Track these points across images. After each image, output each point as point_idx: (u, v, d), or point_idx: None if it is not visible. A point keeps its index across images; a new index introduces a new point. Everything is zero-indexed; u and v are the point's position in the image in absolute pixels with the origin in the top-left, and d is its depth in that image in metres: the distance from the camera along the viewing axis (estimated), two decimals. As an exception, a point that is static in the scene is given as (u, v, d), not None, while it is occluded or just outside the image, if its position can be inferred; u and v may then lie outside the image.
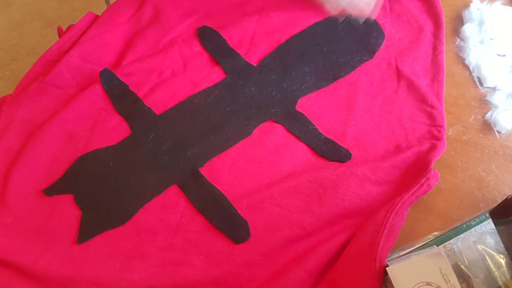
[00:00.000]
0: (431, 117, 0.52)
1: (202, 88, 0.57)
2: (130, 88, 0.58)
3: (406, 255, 0.41)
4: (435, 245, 0.42)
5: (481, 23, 0.58)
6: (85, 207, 0.49)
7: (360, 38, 0.60)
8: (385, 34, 0.60)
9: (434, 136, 0.50)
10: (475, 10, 0.60)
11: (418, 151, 0.49)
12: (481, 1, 0.61)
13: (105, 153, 0.53)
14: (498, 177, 0.48)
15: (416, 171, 0.47)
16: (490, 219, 0.42)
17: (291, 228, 0.46)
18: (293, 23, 0.62)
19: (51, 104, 0.57)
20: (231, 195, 0.49)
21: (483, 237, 0.41)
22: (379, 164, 0.49)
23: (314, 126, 0.53)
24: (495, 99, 0.53)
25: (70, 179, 0.51)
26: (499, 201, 0.42)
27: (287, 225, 0.46)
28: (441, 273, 0.37)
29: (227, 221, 0.47)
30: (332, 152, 0.51)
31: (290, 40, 0.61)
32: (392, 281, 0.38)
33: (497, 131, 0.52)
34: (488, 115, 0.52)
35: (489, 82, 0.55)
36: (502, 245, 0.40)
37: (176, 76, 0.59)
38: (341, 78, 0.57)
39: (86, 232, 0.48)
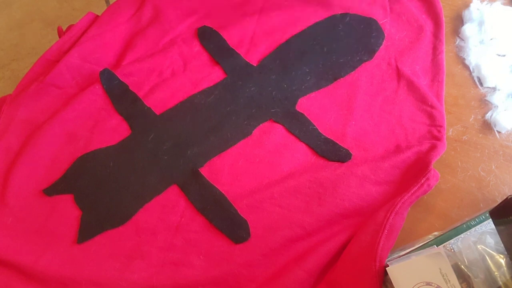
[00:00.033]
0: (431, 117, 0.52)
1: (202, 88, 0.57)
2: (130, 88, 0.58)
3: (406, 255, 0.41)
4: (435, 245, 0.42)
5: (481, 23, 0.58)
6: (85, 207, 0.49)
7: (360, 38, 0.60)
8: (385, 34, 0.60)
9: (434, 136, 0.50)
10: (475, 10, 0.60)
11: (418, 151, 0.49)
12: (481, 1, 0.61)
13: (105, 153, 0.53)
14: (498, 177, 0.48)
15: (416, 171, 0.47)
16: (490, 219, 0.42)
17: (291, 228, 0.46)
18: (293, 23, 0.62)
19: (51, 104, 0.57)
20: (231, 195, 0.49)
21: (483, 237, 0.41)
22: (379, 164, 0.49)
23: (314, 126, 0.53)
24: (495, 99, 0.53)
25: (70, 179, 0.51)
26: (499, 201, 0.42)
27: (287, 225, 0.46)
28: (441, 273, 0.37)
29: (227, 221, 0.47)
30: (332, 152, 0.51)
31: (290, 40, 0.61)
32: (392, 281, 0.38)
33: (497, 131, 0.52)
34: (488, 115, 0.52)
35: (489, 82, 0.55)
36: (502, 245, 0.40)
37: (176, 76, 0.59)
38: (341, 78, 0.57)
39: (86, 232, 0.48)
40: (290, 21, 0.63)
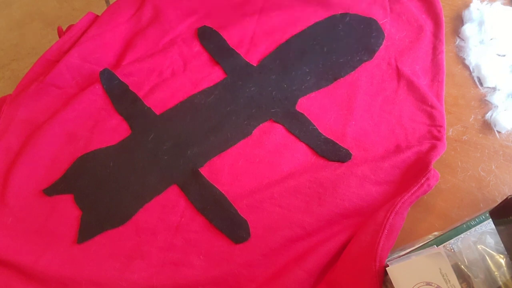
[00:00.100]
0: (431, 117, 0.52)
1: (202, 88, 0.57)
2: (130, 88, 0.58)
3: (406, 255, 0.41)
4: (435, 245, 0.42)
5: (481, 23, 0.58)
6: (85, 207, 0.49)
7: (360, 38, 0.60)
8: (385, 34, 0.60)
9: (434, 136, 0.50)
10: (475, 10, 0.60)
11: (418, 151, 0.49)
12: (481, 1, 0.61)
13: (105, 153, 0.53)
14: (498, 177, 0.48)
15: (416, 171, 0.47)
16: (490, 219, 0.42)
17: (291, 228, 0.46)
18: (293, 23, 0.62)
19: (51, 104, 0.57)
20: (231, 195, 0.49)
21: (483, 237, 0.41)
22: (379, 164, 0.49)
23: (314, 126, 0.53)
24: (495, 99, 0.53)
25: (70, 179, 0.51)
26: (499, 201, 0.42)
27: (287, 225, 0.46)
28: (441, 273, 0.37)
29: (227, 221, 0.47)
30: (332, 152, 0.51)
31: (290, 40, 0.61)
32: (392, 281, 0.38)
33: (497, 131, 0.52)
34: (488, 115, 0.52)
35: (489, 82, 0.55)
36: (502, 245, 0.40)
37: (176, 76, 0.59)
38: (341, 78, 0.57)
39: (86, 232, 0.48)
40: (290, 21, 0.63)
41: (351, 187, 0.48)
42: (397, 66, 0.57)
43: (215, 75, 0.59)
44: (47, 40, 0.75)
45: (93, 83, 0.58)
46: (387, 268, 0.39)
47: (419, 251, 0.41)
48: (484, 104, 0.54)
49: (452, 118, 0.53)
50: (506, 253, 0.39)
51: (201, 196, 0.49)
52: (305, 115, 0.54)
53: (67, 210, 0.49)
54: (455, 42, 0.59)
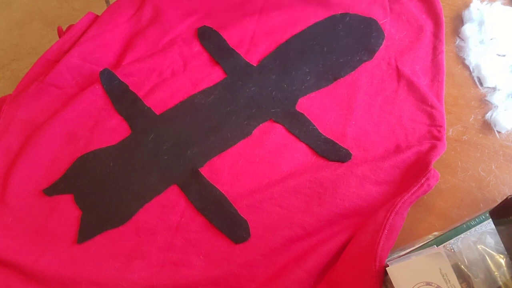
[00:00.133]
0: (431, 117, 0.52)
1: (202, 88, 0.57)
2: (130, 88, 0.58)
3: (406, 255, 0.41)
4: (435, 245, 0.42)
5: (481, 23, 0.58)
6: (85, 207, 0.49)
7: (360, 38, 0.60)
8: (385, 34, 0.60)
9: (434, 136, 0.50)
10: (475, 10, 0.60)
11: (418, 151, 0.49)
12: (481, 1, 0.61)
13: (105, 153, 0.53)
14: (498, 177, 0.48)
15: (416, 171, 0.47)
16: (490, 219, 0.42)
17: (291, 228, 0.46)
18: (293, 23, 0.62)
19: (51, 104, 0.57)
20: (231, 195, 0.49)
21: (483, 237, 0.41)
22: (379, 164, 0.49)
23: (314, 126, 0.53)
24: (495, 99, 0.53)
25: (70, 179, 0.51)
26: (499, 201, 0.42)
27: (287, 225, 0.46)
28: (441, 273, 0.37)
29: (227, 221, 0.47)
30: (332, 152, 0.51)
31: (290, 40, 0.61)
32: (392, 281, 0.38)
33: (497, 131, 0.52)
34: (488, 115, 0.52)
35: (489, 82, 0.55)
36: (502, 245, 0.40)
37: (176, 76, 0.59)
38: (341, 78, 0.57)
39: (86, 232, 0.48)
40: (290, 21, 0.63)
41: (351, 187, 0.48)
42: (397, 66, 0.57)
43: (215, 75, 0.59)
44: (47, 40, 0.75)
45: (93, 83, 0.58)
46: (387, 268, 0.39)
47: (419, 251, 0.41)
48: (484, 104, 0.54)
49: (452, 118, 0.53)
50: (506, 253, 0.39)
51: (201, 196, 0.49)
52: (305, 115, 0.54)
53: (67, 210, 0.49)
54: (455, 42, 0.59)
